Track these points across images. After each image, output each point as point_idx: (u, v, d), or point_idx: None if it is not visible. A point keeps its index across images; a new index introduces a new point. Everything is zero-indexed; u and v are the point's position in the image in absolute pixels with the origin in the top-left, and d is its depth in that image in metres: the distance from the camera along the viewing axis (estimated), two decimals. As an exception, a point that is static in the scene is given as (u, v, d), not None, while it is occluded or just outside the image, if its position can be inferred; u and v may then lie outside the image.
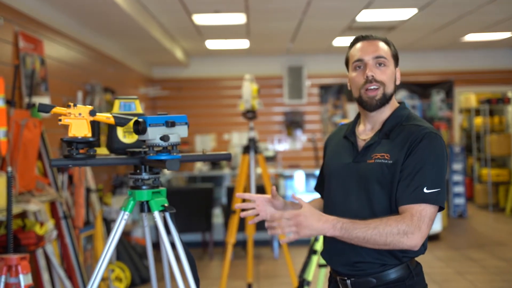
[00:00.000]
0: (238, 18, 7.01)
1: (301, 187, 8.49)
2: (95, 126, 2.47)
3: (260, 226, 6.83)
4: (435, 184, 1.97)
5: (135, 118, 2.10)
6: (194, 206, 7.22)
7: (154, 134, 2.05)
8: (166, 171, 8.42)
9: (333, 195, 2.17)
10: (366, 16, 7.01)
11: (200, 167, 8.85)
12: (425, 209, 1.95)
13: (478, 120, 10.89)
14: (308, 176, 8.49)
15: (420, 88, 10.73)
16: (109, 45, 7.41)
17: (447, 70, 10.73)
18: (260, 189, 5.83)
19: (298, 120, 10.63)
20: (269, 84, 10.45)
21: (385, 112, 2.14)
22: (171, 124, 2.05)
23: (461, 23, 7.64)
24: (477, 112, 10.95)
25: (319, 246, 4.20)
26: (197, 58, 10.53)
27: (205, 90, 10.65)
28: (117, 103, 2.50)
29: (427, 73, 10.72)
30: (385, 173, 2.02)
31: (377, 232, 1.90)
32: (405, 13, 6.99)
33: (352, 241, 1.94)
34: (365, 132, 2.18)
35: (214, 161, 8.33)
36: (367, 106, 2.11)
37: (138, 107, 2.51)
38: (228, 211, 6.76)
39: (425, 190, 1.96)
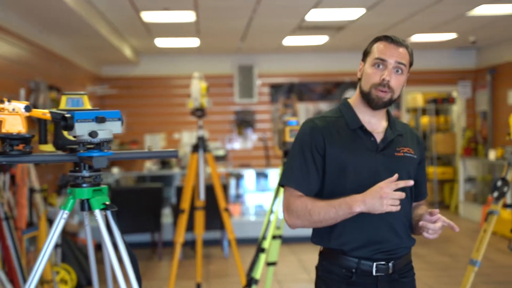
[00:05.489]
0: (188, 16, 6.94)
1: (252, 186, 8.49)
2: (41, 123, 2.39)
3: (209, 225, 6.80)
4: None
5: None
6: (143, 206, 7.11)
7: (82, 130, 1.97)
8: (114, 170, 8.30)
9: (359, 184, 2.14)
10: (315, 15, 7.06)
11: (150, 167, 8.74)
12: None
13: (425, 119, 11.13)
14: (259, 175, 8.49)
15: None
16: (55, 42, 7.22)
17: (395, 70, 10.89)
18: (209, 188, 5.79)
19: (249, 119, 10.62)
20: (219, 83, 10.41)
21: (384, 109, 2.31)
22: (100, 119, 1.98)
23: (409, 23, 7.78)
24: (424, 112, 11.18)
25: (267, 244, 4.18)
26: (146, 56, 10.39)
27: (155, 89, 10.52)
28: (63, 99, 2.42)
29: (376, 73, 10.86)
30: (412, 166, 2.28)
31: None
32: (354, 13, 7.07)
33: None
34: (372, 125, 2.28)
35: (160, 158, 8.21)
36: (373, 104, 2.23)
37: (86, 103, 2.44)
38: (177, 211, 6.69)
39: None
